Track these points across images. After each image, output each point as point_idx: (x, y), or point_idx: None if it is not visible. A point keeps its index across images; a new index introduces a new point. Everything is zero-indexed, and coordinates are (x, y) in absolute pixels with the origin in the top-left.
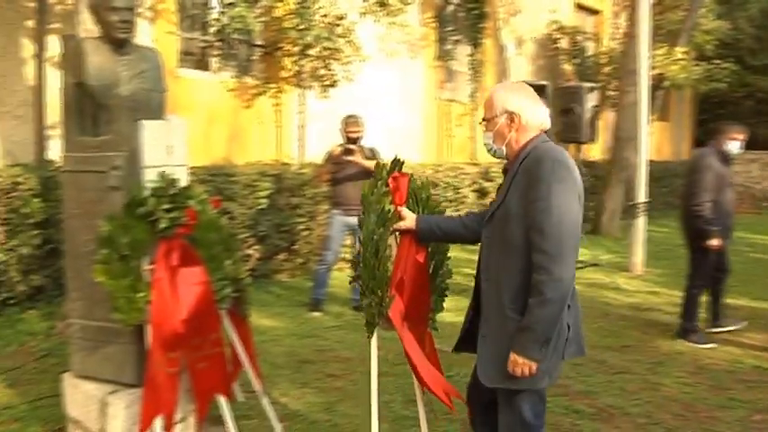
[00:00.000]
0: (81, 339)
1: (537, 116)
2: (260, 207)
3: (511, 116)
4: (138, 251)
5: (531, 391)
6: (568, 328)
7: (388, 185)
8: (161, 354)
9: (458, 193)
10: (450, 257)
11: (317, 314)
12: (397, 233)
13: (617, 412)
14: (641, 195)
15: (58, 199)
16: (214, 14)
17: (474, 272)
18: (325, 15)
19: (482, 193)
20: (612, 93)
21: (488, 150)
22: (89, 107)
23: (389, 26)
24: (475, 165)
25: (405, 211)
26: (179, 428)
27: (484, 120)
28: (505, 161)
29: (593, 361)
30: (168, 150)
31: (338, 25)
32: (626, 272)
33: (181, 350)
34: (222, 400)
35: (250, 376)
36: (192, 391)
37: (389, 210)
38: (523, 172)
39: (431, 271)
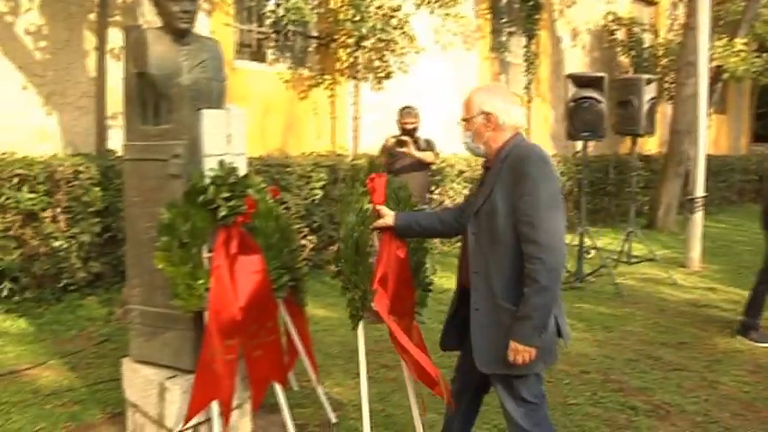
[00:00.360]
0: (140, 325)
1: (511, 116)
2: (314, 198)
3: (487, 116)
4: (198, 239)
5: (529, 374)
6: (555, 317)
7: (365, 186)
8: (218, 340)
9: None
10: (431, 253)
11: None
12: (378, 231)
13: (673, 410)
14: (699, 190)
15: (117, 188)
16: (270, 6)
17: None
18: (380, 7)
19: None
20: (670, 85)
21: (467, 148)
22: (150, 97)
23: (444, 17)
24: None
25: (383, 209)
26: (235, 415)
27: (463, 120)
28: (485, 159)
29: (650, 357)
30: (228, 139)
31: (393, 17)
32: (683, 267)
33: (238, 337)
34: (278, 388)
35: (305, 365)
36: (248, 379)
37: (368, 209)
38: (508, 169)
39: (413, 267)
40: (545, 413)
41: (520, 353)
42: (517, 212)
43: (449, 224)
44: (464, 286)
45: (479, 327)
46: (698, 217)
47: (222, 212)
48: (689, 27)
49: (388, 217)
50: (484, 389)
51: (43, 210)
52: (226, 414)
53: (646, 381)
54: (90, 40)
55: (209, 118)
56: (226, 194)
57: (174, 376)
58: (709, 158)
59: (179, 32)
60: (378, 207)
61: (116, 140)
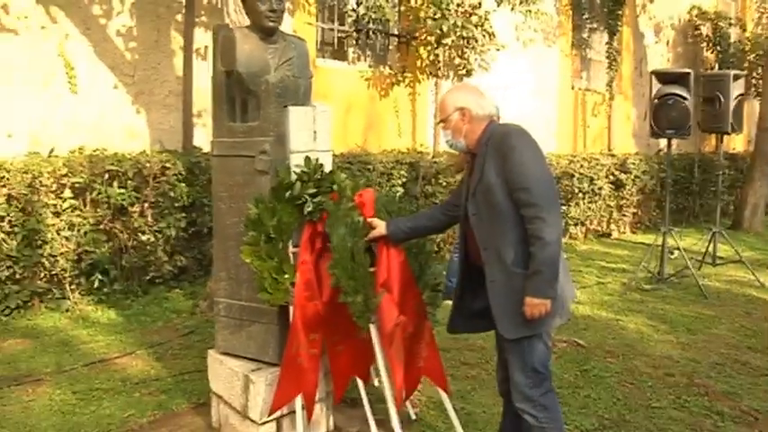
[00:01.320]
0: (226, 317)
1: (483, 108)
2: (395, 195)
3: (461, 111)
4: (285, 234)
5: (538, 340)
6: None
7: (353, 201)
8: (303, 334)
9: (593, 184)
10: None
11: (449, 302)
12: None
13: (762, 416)
14: None
15: (202, 183)
16: (351, 5)
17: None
18: (460, 4)
19: (617, 184)
20: (757, 81)
21: (450, 146)
22: (238, 94)
23: (525, 14)
24: (611, 155)
25: (375, 220)
26: (317, 408)
27: (441, 121)
28: (468, 150)
29: (736, 362)
30: (314, 136)
31: (473, 14)
32: None
33: (322, 332)
34: (360, 383)
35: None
36: (330, 373)
37: (358, 220)
38: (493, 147)
39: (418, 269)
40: (551, 385)
41: (536, 306)
42: (510, 183)
43: (437, 218)
44: (468, 271)
45: (498, 296)
46: None
47: (308, 208)
48: None
49: (380, 227)
50: None
51: (132, 204)
52: (309, 408)
53: (732, 385)
54: (177, 40)
55: (295, 115)
56: (312, 190)
57: (258, 369)
58: None
59: (267, 31)
60: (369, 219)
61: (201, 137)
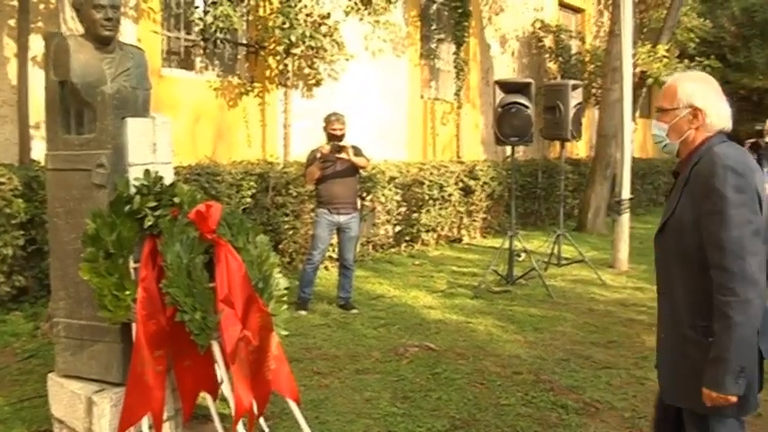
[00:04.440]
0: (66, 338)
1: (722, 116)
2: (245, 206)
3: (695, 112)
4: (125, 249)
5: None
6: (761, 355)
7: (188, 217)
8: (148, 351)
9: (443, 190)
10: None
11: (303, 313)
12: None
13: (603, 407)
14: (625, 192)
15: (41, 199)
16: (198, 13)
17: None
18: (309, 14)
19: (467, 191)
20: (596, 90)
21: (657, 142)
22: (73, 105)
23: (374, 25)
24: (460, 163)
25: None
26: (166, 427)
27: (661, 110)
28: (676, 161)
29: (580, 357)
30: (153, 148)
31: (322, 24)
32: (611, 268)
33: (167, 348)
34: (209, 398)
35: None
36: (178, 390)
37: (195, 237)
38: (695, 178)
39: (262, 281)
40: None
41: (714, 400)
42: (704, 232)
43: None
44: None
45: (663, 356)
46: (625, 219)
47: (149, 222)
48: (613, 34)
49: None
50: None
51: None
52: (157, 427)
53: (576, 379)
54: (10, 46)
55: (133, 127)
56: (152, 204)
57: (101, 390)
58: (636, 161)
59: (102, 40)
60: None
61: (40, 150)
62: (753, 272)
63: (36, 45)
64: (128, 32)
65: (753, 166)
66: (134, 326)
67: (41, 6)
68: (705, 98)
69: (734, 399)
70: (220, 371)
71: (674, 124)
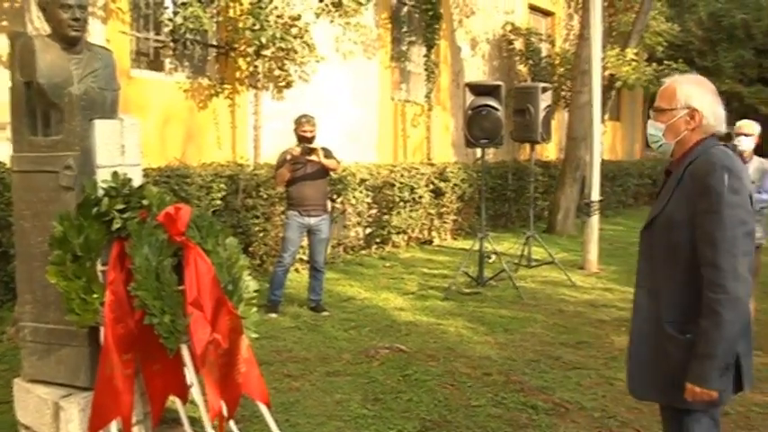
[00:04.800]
0: (33, 343)
1: (717, 118)
2: (215, 209)
3: (692, 113)
4: (93, 252)
5: (706, 414)
6: (738, 356)
7: (157, 220)
8: (117, 355)
9: (413, 192)
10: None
11: (273, 315)
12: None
13: (573, 407)
14: (595, 194)
15: (7, 201)
16: (168, 14)
17: None
18: (280, 16)
19: (438, 193)
20: (566, 93)
21: (653, 142)
22: (40, 106)
23: (345, 27)
24: (431, 165)
25: None
26: (135, 430)
27: (658, 110)
28: (669, 160)
29: (550, 357)
30: (121, 150)
31: (293, 26)
32: (581, 269)
33: (135, 351)
34: (178, 402)
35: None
36: (147, 393)
37: (164, 239)
38: (690, 177)
39: (231, 283)
40: None
41: (698, 395)
42: (698, 230)
43: None
44: None
45: (637, 349)
46: (594, 220)
47: (117, 224)
48: (583, 37)
49: None
50: None
51: None
52: (127, 430)
53: (546, 380)
54: None
55: (101, 128)
56: (120, 206)
57: (69, 395)
58: (605, 164)
59: (69, 40)
60: None
61: (5, 152)
62: (743, 271)
63: (1, 44)
64: (96, 33)
65: (743, 169)
66: (102, 329)
67: (6, 5)
68: (702, 100)
69: (716, 394)
70: (190, 374)
71: (671, 124)
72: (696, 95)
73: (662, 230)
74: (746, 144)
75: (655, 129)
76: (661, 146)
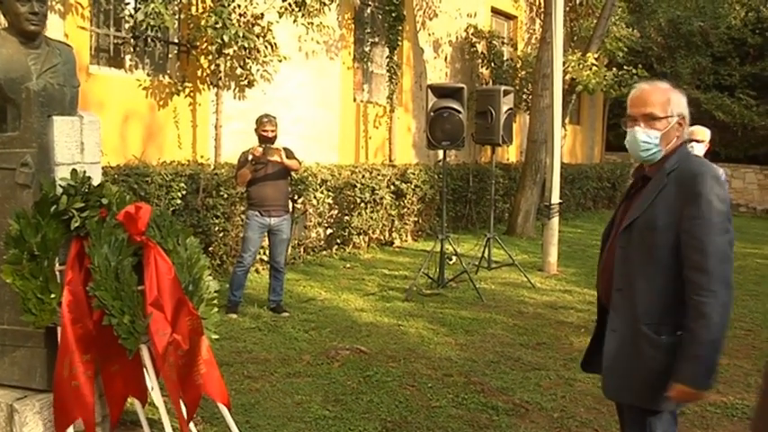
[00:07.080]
0: None
1: (688, 125)
2: (175, 208)
3: (682, 120)
4: (50, 251)
5: (667, 411)
6: None
7: (117, 219)
8: (77, 356)
9: (375, 194)
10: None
11: (233, 316)
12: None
13: (532, 407)
14: (555, 197)
15: None
16: (129, 10)
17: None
18: (242, 14)
19: (399, 194)
20: (527, 96)
21: (644, 150)
22: None
23: (307, 26)
24: (392, 166)
25: None
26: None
27: (652, 117)
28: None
29: (510, 358)
30: (81, 147)
31: (256, 24)
32: (540, 271)
33: (94, 352)
34: (138, 404)
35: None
36: (106, 395)
37: (123, 238)
38: (676, 184)
39: (192, 283)
40: None
41: (686, 396)
42: (684, 235)
43: None
44: (603, 303)
45: (613, 350)
46: (554, 223)
47: (76, 223)
48: (545, 41)
49: None
50: None
51: None
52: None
53: (506, 381)
54: None
55: (60, 125)
56: (79, 205)
57: (24, 397)
58: (565, 167)
59: (28, 35)
60: None
61: None
62: (730, 276)
63: None
64: (54, 27)
65: (722, 177)
66: (59, 330)
67: None
68: (685, 107)
69: (705, 394)
70: (149, 376)
71: (666, 132)
72: (683, 103)
73: (641, 234)
74: (698, 150)
75: (648, 136)
76: (654, 153)
